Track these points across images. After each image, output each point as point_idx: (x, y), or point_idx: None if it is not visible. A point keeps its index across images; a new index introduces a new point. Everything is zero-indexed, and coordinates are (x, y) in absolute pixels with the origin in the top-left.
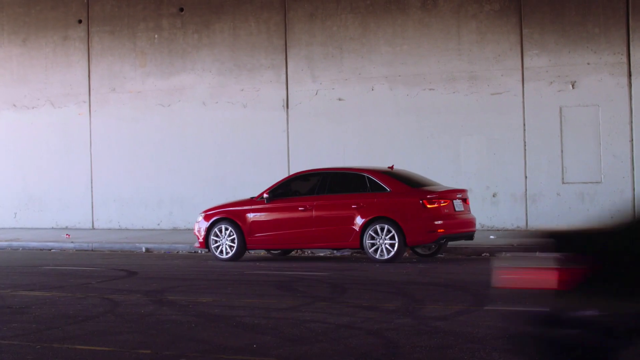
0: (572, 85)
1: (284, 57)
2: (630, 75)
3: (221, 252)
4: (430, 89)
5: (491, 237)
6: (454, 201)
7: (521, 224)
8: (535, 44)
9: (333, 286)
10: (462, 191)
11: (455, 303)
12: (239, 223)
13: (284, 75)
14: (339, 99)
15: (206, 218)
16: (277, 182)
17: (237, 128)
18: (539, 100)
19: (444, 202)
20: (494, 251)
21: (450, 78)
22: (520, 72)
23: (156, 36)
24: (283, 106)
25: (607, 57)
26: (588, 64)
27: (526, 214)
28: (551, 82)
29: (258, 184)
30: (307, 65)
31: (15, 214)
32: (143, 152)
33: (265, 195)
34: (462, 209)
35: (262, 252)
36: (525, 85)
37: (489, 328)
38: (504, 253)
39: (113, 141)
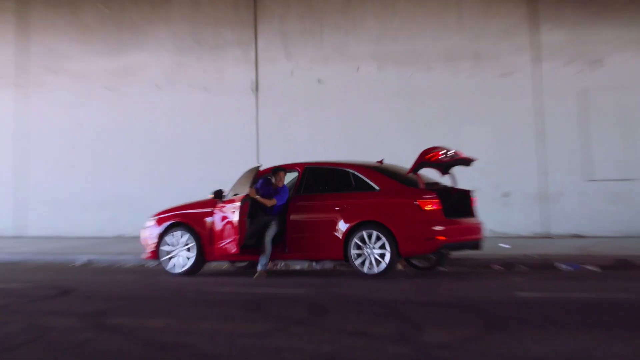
0: (596, 65)
1: (254, 32)
2: None
3: (175, 264)
4: (426, 70)
5: (503, 245)
6: None
7: (538, 229)
8: (551, 16)
9: (312, 306)
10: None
11: (461, 327)
12: (198, 229)
13: (253, 54)
14: (319, 81)
15: (158, 223)
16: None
17: (197, 116)
18: (557, 82)
19: None
20: (507, 263)
21: (449, 57)
22: (534, 49)
23: (103, 8)
24: (252, 89)
25: (637, 32)
26: (614, 39)
27: (544, 218)
28: (570, 61)
29: (221, 181)
30: (280, 41)
31: None
32: (84, 145)
33: (229, 196)
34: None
35: (225, 265)
36: (539, 65)
37: (503, 358)
38: (520, 265)
39: (48, 131)
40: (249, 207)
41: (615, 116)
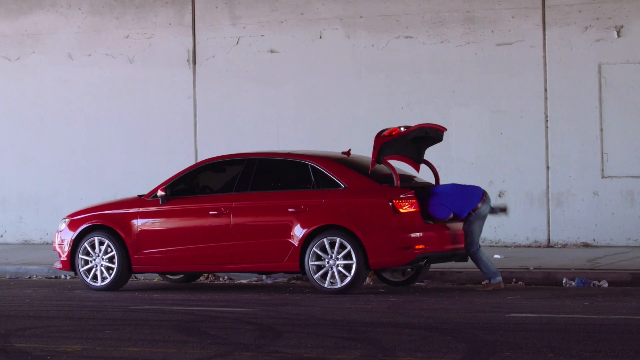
0: (618, 32)
1: None
2: None
3: (95, 277)
4: (406, 37)
5: (496, 256)
6: None
7: (541, 237)
8: None
9: (261, 328)
10: None
11: (441, 354)
12: (121, 234)
13: (190, 15)
14: (271, 51)
15: (72, 226)
16: (178, 173)
17: (119, 93)
18: (568, 54)
19: None
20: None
21: (436, 21)
22: (541, 12)
23: None
24: (188, 61)
25: None
26: None
27: (548, 223)
28: (586, 28)
29: (150, 175)
30: (223, 0)
31: None
32: None
33: (160, 193)
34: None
35: (156, 278)
36: (547, 32)
37: None
38: (514, 280)
39: None
40: None
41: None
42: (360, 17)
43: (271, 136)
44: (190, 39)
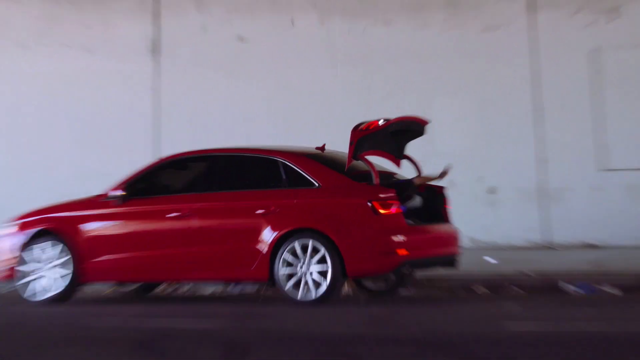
0: (612, 15)
1: None
2: None
3: (41, 287)
4: (384, 23)
5: (488, 259)
6: None
7: (536, 237)
8: None
9: (227, 345)
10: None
11: None
12: (71, 238)
13: (151, 1)
14: (240, 39)
15: (21, 229)
16: (136, 171)
17: (76, 85)
18: (559, 38)
19: None
20: (494, 284)
21: (417, 5)
22: None
23: None
24: (150, 51)
25: None
26: None
27: (545, 222)
28: (577, 11)
29: (107, 173)
30: None
31: None
32: None
33: (114, 194)
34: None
35: (110, 289)
36: (536, 16)
37: None
38: (512, 287)
39: None
40: None
41: (638, 83)
42: (336, 2)
43: (240, 129)
44: (153, 28)
